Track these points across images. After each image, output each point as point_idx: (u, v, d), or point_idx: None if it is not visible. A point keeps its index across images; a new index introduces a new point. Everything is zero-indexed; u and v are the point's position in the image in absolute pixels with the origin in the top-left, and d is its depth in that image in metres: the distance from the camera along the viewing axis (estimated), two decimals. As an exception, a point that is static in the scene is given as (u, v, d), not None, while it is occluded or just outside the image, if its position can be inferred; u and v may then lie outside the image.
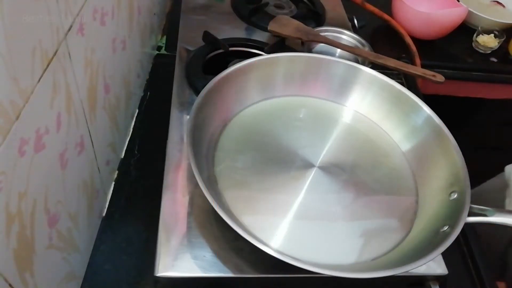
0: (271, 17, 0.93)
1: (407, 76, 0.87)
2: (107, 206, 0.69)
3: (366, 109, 0.73)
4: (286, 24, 0.86)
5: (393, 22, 1.05)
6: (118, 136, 0.74)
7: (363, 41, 0.88)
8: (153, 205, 0.60)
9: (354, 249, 0.57)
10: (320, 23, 0.97)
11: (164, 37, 1.04)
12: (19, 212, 0.41)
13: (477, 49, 1.06)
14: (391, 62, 0.75)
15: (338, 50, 0.88)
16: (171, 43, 1.00)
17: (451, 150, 0.62)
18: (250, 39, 0.89)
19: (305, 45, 0.86)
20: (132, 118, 0.83)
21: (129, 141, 0.79)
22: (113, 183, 0.73)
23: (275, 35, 0.86)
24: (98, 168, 0.64)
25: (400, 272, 0.48)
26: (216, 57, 0.84)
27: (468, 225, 0.53)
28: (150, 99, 0.88)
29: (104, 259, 0.62)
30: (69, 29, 0.48)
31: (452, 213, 0.56)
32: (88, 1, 0.53)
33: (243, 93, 0.69)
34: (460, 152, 0.61)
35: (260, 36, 0.91)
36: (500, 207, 0.75)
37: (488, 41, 1.04)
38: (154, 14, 0.96)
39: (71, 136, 0.52)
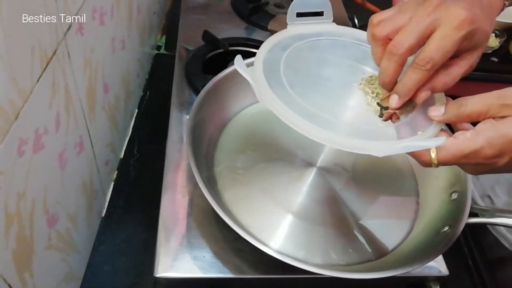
0: (271, 16, 0.93)
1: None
2: (106, 206, 0.69)
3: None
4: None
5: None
6: (117, 136, 0.74)
7: (363, 40, 0.87)
8: (153, 206, 0.60)
9: (355, 249, 0.57)
10: (320, 22, 0.96)
11: (164, 37, 1.04)
12: (18, 212, 0.41)
13: (477, 48, 1.06)
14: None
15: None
16: (171, 43, 0.99)
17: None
18: (250, 38, 0.88)
19: (305, 45, 0.86)
20: (132, 118, 0.83)
21: (128, 141, 0.79)
22: (112, 183, 0.73)
23: (275, 34, 0.86)
24: (97, 168, 0.64)
25: (400, 273, 0.48)
26: (215, 57, 0.84)
27: (468, 226, 0.53)
28: (150, 99, 0.88)
29: (103, 259, 0.62)
30: (68, 29, 0.48)
31: (453, 214, 0.55)
32: (87, 1, 0.53)
33: (243, 93, 0.69)
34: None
35: (260, 35, 0.91)
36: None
37: (488, 41, 1.04)
38: (154, 13, 0.96)
39: (70, 136, 0.52)
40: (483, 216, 0.56)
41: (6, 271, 0.40)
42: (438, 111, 0.43)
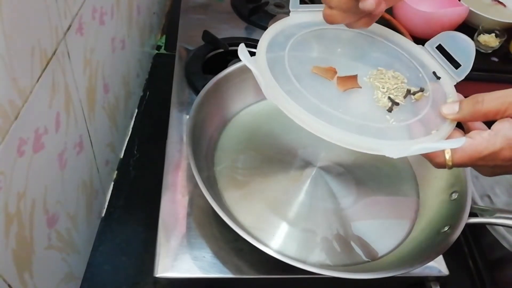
0: (271, 16, 0.93)
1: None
2: (106, 206, 0.69)
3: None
4: (286, 24, 0.85)
5: (393, 21, 1.05)
6: (117, 136, 0.74)
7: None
8: (153, 206, 0.60)
9: (355, 249, 0.56)
10: (320, 22, 0.96)
11: (164, 37, 1.04)
12: (18, 212, 0.41)
13: (478, 48, 1.06)
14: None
15: (338, 50, 0.87)
16: (171, 43, 0.99)
17: (451, 150, 0.62)
18: (250, 38, 0.88)
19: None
20: (131, 118, 0.83)
21: (128, 141, 0.79)
22: (112, 183, 0.73)
23: (275, 34, 0.86)
24: (97, 168, 0.64)
25: (400, 273, 0.48)
26: (215, 57, 0.83)
27: (468, 226, 0.53)
28: (150, 99, 0.88)
29: (103, 259, 0.62)
30: (68, 29, 0.48)
31: (453, 214, 0.55)
32: (87, 1, 0.53)
33: (243, 93, 0.69)
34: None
35: (260, 35, 0.90)
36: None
37: (489, 41, 1.04)
38: (154, 13, 0.96)
39: (70, 136, 0.52)
40: (483, 216, 0.56)
41: (6, 271, 0.40)
42: (451, 109, 0.41)
